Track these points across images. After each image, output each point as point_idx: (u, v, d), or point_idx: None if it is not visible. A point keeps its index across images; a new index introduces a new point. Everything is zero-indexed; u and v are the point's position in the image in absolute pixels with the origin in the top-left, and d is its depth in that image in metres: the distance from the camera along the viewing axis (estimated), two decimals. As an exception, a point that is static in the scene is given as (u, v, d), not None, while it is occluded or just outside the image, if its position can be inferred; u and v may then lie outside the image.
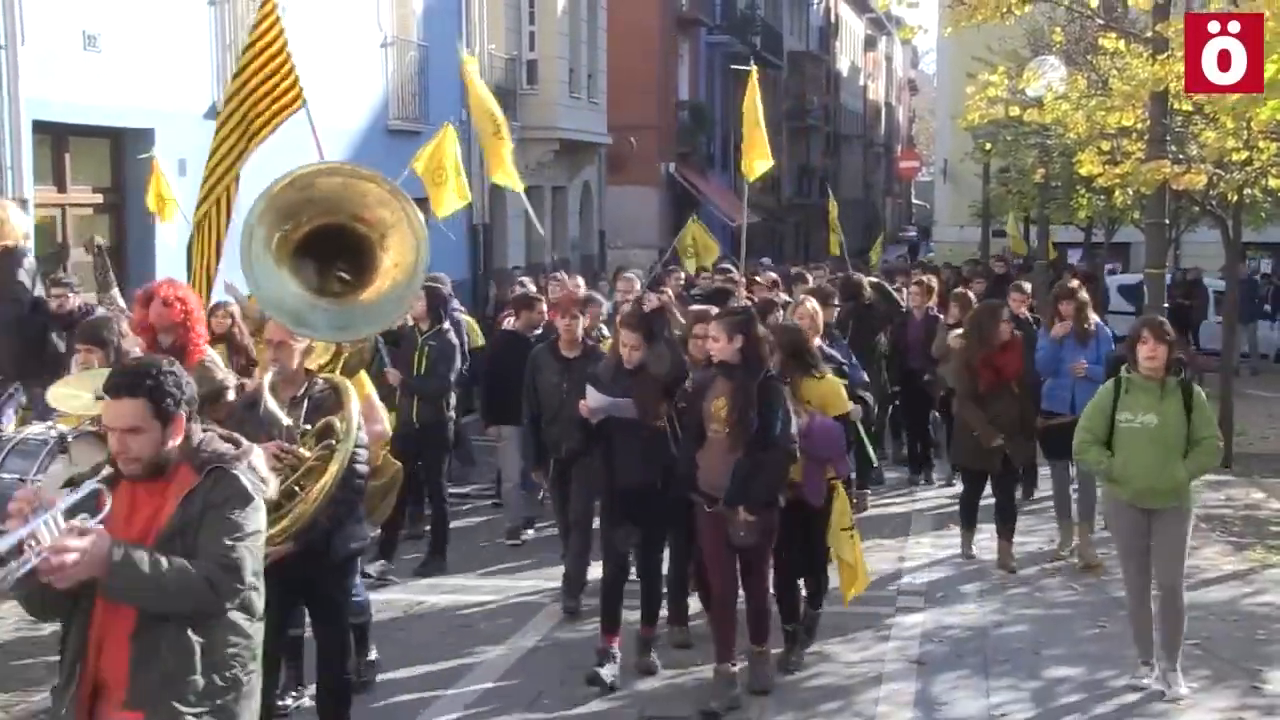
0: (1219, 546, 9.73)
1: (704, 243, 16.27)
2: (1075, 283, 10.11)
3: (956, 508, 9.78)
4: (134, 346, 5.94)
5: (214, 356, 6.62)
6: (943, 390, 11.52)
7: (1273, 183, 11.54)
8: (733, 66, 24.24)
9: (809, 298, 8.93)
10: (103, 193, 13.20)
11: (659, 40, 32.82)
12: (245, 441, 3.81)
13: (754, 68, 11.55)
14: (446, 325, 9.22)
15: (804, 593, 7.27)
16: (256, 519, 3.68)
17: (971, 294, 11.94)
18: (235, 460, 3.68)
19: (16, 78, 11.33)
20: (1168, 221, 12.05)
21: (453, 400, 9.36)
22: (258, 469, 3.74)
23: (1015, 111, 12.75)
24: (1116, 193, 14.87)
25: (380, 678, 6.76)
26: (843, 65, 61.41)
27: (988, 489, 9.29)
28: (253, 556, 3.64)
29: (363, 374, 6.56)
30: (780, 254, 37.41)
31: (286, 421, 5.04)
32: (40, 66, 11.63)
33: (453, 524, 9.52)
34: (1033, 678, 6.97)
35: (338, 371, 5.64)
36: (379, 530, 8.33)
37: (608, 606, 6.93)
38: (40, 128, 11.78)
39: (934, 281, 13.47)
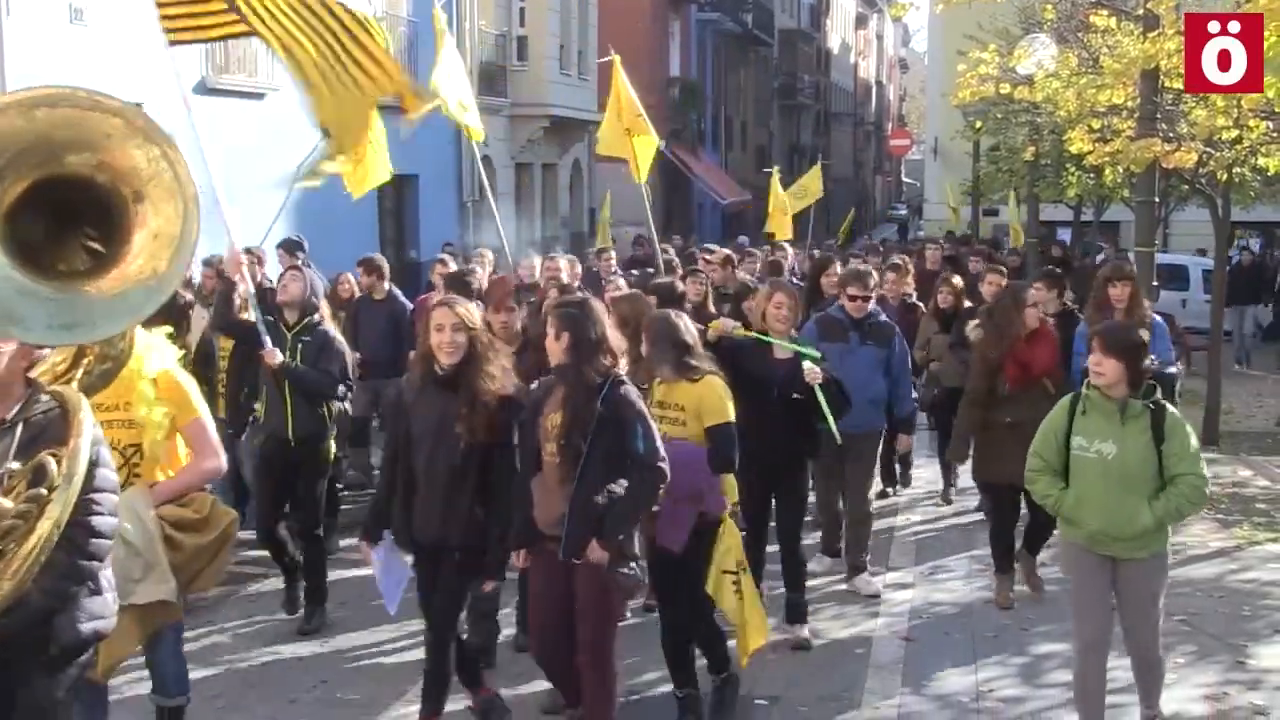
0: (1206, 524, 9.76)
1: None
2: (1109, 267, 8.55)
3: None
4: None
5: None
6: (934, 390, 10.36)
7: (1262, 161, 11.53)
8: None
9: (770, 284, 7.75)
10: (89, 168, 13.13)
11: (650, 17, 32.74)
12: None
13: (616, 56, 11.19)
14: (318, 318, 7.53)
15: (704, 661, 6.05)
16: None
17: (959, 279, 10.77)
18: None
19: (2, 51, 11.27)
20: (1157, 200, 12.05)
21: (335, 408, 7.66)
22: None
23: (1006, 89, 12.67)
24: (1106, 171, 14.85)
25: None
26: (834, 43, 61.34)
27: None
28: None
29: (186, 392, 5.01)
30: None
31: None
32: (26, 39, 11.56)
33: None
34: (1020, 654, 6.99)
35: (75, 383, 4.15)
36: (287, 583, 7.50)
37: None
38: (26, 102, 11.71)
39: (908, 263, 11.69)
